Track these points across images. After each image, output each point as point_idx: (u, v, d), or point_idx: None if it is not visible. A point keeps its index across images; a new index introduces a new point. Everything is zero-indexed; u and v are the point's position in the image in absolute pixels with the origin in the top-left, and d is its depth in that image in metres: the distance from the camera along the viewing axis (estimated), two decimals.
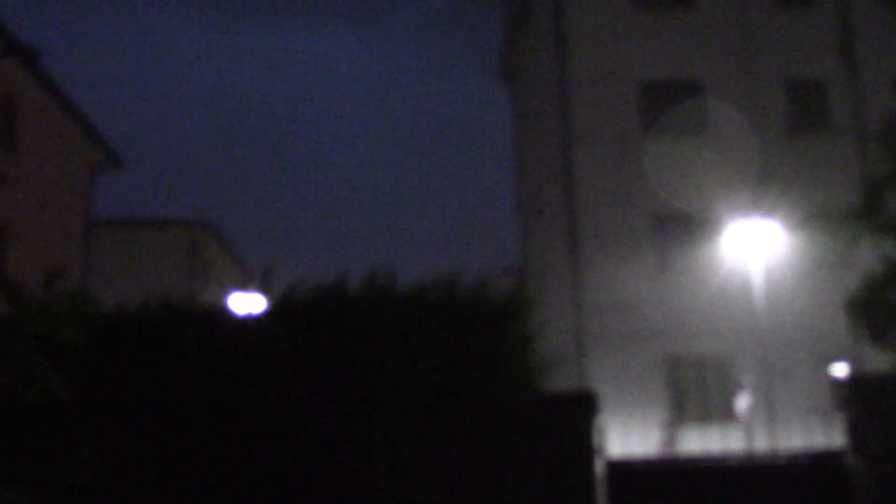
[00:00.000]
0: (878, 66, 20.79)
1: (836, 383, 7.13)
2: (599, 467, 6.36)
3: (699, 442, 17.21)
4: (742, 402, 18.06)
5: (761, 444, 17.21)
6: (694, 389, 19.11)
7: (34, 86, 19.44)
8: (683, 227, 19.78)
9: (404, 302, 5.64)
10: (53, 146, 20.93)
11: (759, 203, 18.75)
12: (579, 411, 6.18)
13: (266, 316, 6.22)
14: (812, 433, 13.25)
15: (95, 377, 5.68)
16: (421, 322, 5.62)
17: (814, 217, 13.26)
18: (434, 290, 5.97)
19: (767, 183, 19.31)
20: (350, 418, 5.58)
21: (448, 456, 5.86)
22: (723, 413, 18.68)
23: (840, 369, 16.70)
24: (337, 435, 5.59)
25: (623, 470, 6.42)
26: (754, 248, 17.98)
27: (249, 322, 6.26)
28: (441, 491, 5.83)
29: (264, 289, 6.41)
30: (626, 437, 17.72)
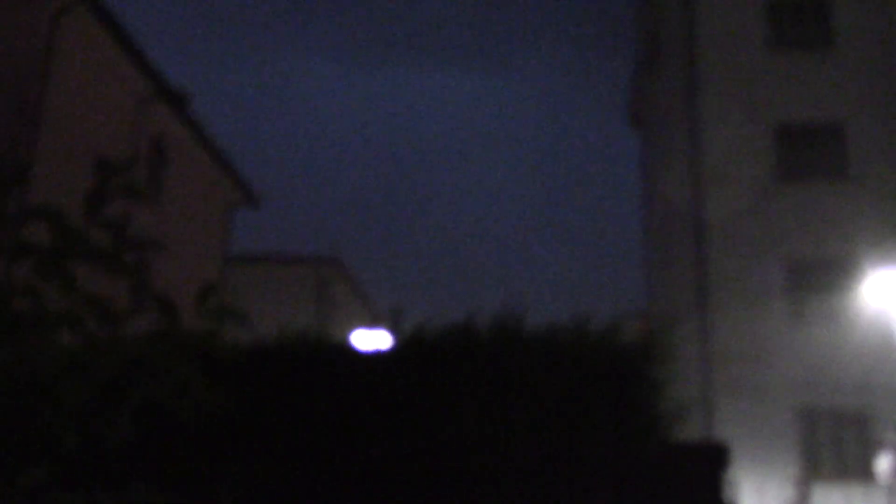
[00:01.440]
0: None
1: None
2: None
3: (835, 501, 16.41)
4: (883, 461, 17.10)
5: None
6: (830, 445, 18.22)
7: (181, 127, 20.53)
8: (820, 274, 19.05)
9: (533, 344, 5.63)
10: (196, 185, 21.99)
11: None
12: (709, 463, 6.02)
13: (394, 353, 6.33)
14: None
15: (240, 401, 5.91)
16: (550, 365, 5.60)
17: None
18: (563, 333, 5.95)
19: None
20: (474, 459, 5.60)
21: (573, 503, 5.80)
22: (861, 471, 17.74)
23: None
24: (461, 475, 5.61)
25: None
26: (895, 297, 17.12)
27: (378, 359, 6.38)
28: None
29: (393, 327, 6.53)
30: (759, 492, 17.06)
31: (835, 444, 18.29)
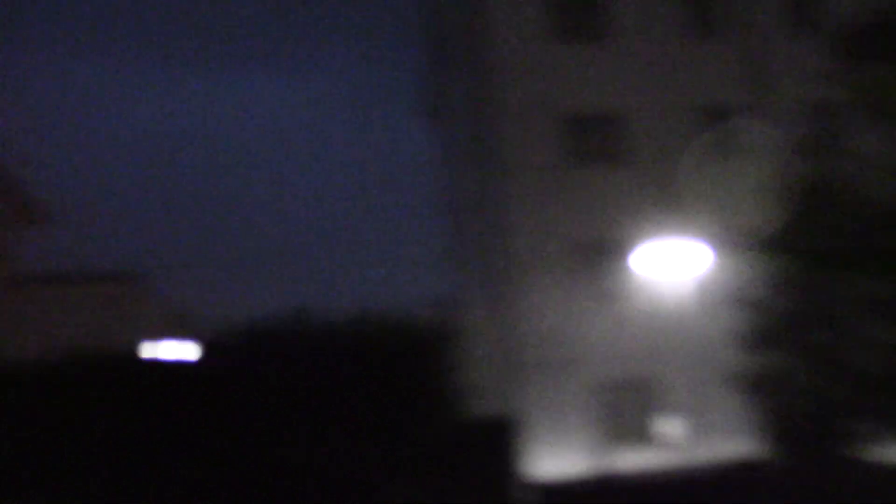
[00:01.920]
0: (790, 91, 21.60)
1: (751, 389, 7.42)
2: (525, 488, 6.52)
3: (633, 463, 17.50)
4: (672, 422, 18.46)
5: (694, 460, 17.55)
6: (625, 413, 19.43)
7: None
8: (610, 254, 20.22)
9: (329, 337, 5.75)
10: None
11: (683, 227, 19.28)
12: (501, 436, 6.35)
13: (197, 362, 6.27)
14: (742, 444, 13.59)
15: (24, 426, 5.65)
16: (348, 354, 5.73)
17: (729, 240, 13.74)
18: (359, 324, 6.10)
19: (688, 207, 19.87)
20: (279, 451, 5.65)
21: (374, 484, 5.95)
22: (655, 433, 19.02)
23: None
24: (267, 469, 5.65)
25: (549, 489, 6.60)
26: (678, 269, 18.47)
27: (181, 368, 6.30)
28: None
29: (194, 335, 6.47)
30: (562, 461, 17.96)
31: (629, 411, 19.53)
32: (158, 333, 37.22)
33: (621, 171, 20.86)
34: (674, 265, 18.50)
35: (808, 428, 6.11)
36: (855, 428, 6.16)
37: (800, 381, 6.27)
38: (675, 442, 18.18)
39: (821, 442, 6.22)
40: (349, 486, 5.80)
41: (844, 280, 6.57)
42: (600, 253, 20.28)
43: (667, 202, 20.16)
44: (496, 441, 6.47)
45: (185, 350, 7.56)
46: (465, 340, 6.63)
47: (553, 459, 17.83)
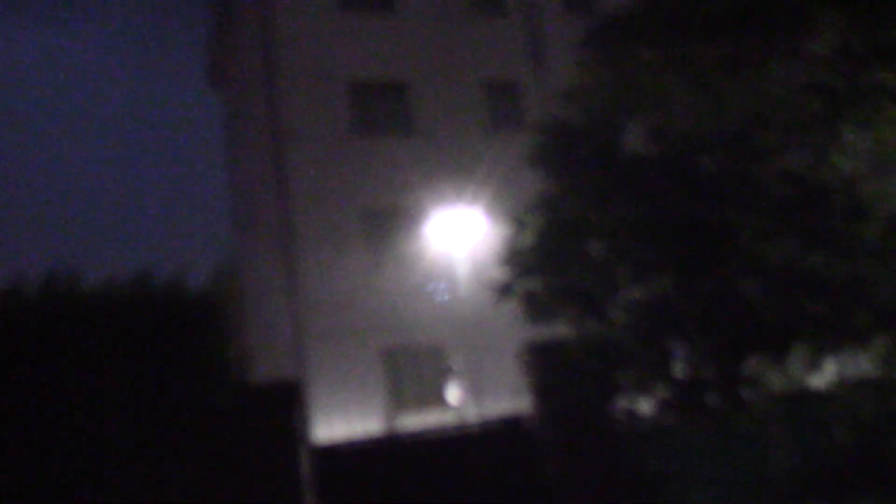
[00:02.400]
0: (564, 68, 22.63)
1: (521, 353, 7.78)
2: (306, 452, 6.49)
3: (421, 424, 17.92)
4: (454, 386, 19.04)
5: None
6: (411, 378, 19.82)
7: None
8: (394, 222, 20.45)
9: (89, 301, 5.43)
10: None
11: (463, 195, 19.81)
12: (282, 401, 6.28)
13: None
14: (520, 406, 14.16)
15: None
16: (109, 320, 5.44)
17: (511, 207, 14.23)
18: (125, 287, 5.81)
19: (470, 176, 20.42)
20: (35, 423, 5.30)
21: (151, 452, 5.73)
22: (438, 398, 19.54)
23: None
24: (24, 439, 5.28)
25: (327, 452, 6.61)
26: (458, 237, 19.00)
27: None
28: (147, 488, 5.69)
29: None
30: (349, 426, 18.09)
31: (415, 377, 19.93)
32: None
33: (407, 141, 21.10)
34: (459, 233, 19.02)
35: (565, 381, 6.49)
36: (612, 376, 6.59)
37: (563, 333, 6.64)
38: (460, 403, 18.77)
39: (577, 395, 6.62)
40: (119, 451, 5.54)
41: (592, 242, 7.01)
42: (388, 221, 20.47)
43: (452, 171, 20.63)
44: (278, 405, 6.39)
45: None
46: (249, 307, 6.47)
47: (343, 424, 17.92)
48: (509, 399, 17.28)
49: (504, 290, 6.72)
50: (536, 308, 6.84)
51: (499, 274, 7.47)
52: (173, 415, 5.79)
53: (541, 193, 7.69)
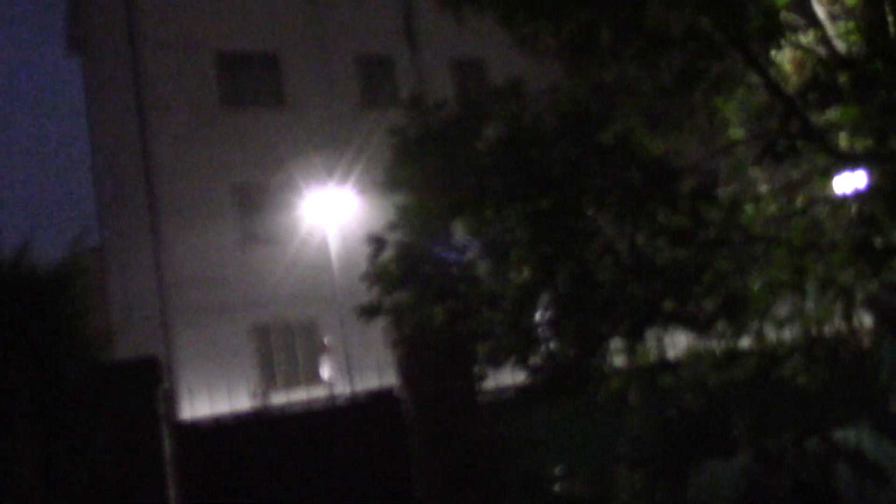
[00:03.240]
0: (438, 44, 22.72)
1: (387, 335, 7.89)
2: (167, 431, 6.39)
3: (291, 401, 17.79)
4: (326, 362, 18.99)
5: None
6: (283, 355, 19.66)
7: None
8: (264, 197, 20.15)
9: None
10: None
11: (335, 171, 19.70)
12: (141, 379, 6.15)
13: None
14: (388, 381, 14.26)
15: None
16: None
17: (380, 183, 14.23)
18: None
19: (342, 152, 20.31)
20: None
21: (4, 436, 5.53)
22: (311, 375, 19.46)
23: None
24: None
25: (192, 430, 6.53)
26: (330, 214, 18.91)
27: None
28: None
29: None
30: (218, 406, 17.81)
31: (287, 353, 19.78)
32: None
33: (278, 114, 20.78)
34: (331, 210, 18.92)
35: (429, 359, 6.65)
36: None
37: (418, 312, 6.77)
38: (333, 380, 18.74)
39: (439, 371, 6.80)
40: None
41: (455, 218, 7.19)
42: (259, 196, 20.15)
43: (324, 147, 20.46)
44: (137, 383, 6.26)
45: None
46: (114, 283, 6.28)
47: (213, 403, 17.62)
48: (381, 375, 17.40)
49: (372, 311, 6.78)
50: (406, 321, 6.94)
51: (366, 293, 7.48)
52: (21, 393, 5.60)
53: (394, 179, 7.74)
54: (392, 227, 7.33)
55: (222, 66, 20.57)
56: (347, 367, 19.14)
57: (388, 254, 7.25)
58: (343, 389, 18.68)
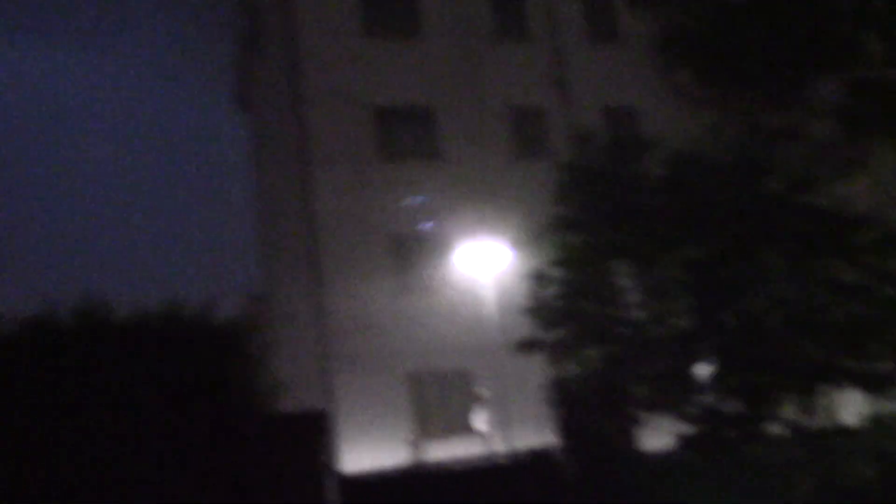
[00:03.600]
0: (589, 93, 22.73)
1: (545, 386, 7.77)
2: (331, 482, 6.49)
3: (444, 454, 17.83)
4: (481, 413, 18.94)
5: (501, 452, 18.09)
6: (437, 405, 19.76)
7: None
8: (420, 247, 20.49)
9: (121, 330, 5.48)
10: None
11: (488, 222, 19.83)
12: (308, 430, 6.29)
13: None
14: (546, 438, 14.09)
15: None
16: (141, 350, 5.49)
17: (533, 235, 14.23)
18: (156, 317, 5.86)
19: (495, 203, 20.46)
20: (70, 450, 5.34)
21: (179, 482, 5.74)
22: (465, 425, 19.46)
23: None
24: (55, 469, 5.33)
25: (356, 483, 6.61)
26: (484, 265, 18.99)
27: None
28: None
29: None
30: (375, 454, 18.05)
31: (442, 403, 19.88)
32: None
33: (432, 166, 21.17)
34: (484, 261, 19.01)
35: (586, 415, 6.49)
36: (634, 400, 6.57)
37: (585, 356, 6.63)
38: (486, 433, 18.67)
39: (601, 428, 6.61)
40: (147, 479, 5.57)
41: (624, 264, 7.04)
42: (413, 246, 20.51)
43: (476, 197, 20.68)
44: (304, 435, 6.41)
45: None
46: (272, 333, 6.50)
47: (368, 453, 17.88)
48: (536, 428, 17.19)
49: (531, 345, 6.71)
50: (563, 356, 6.84)
51: (525, 327, 7.42)
52: (200, 444, 5.81)
53: (560, 218, 7.68)
54: (555, 264, 7.26)
55: (380, 121, 21.19)
56: (502, 419, 19.03)
57: (549, 290, 7.18)
58: (496, 441, 18.55)
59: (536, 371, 19.63)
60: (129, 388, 5.54)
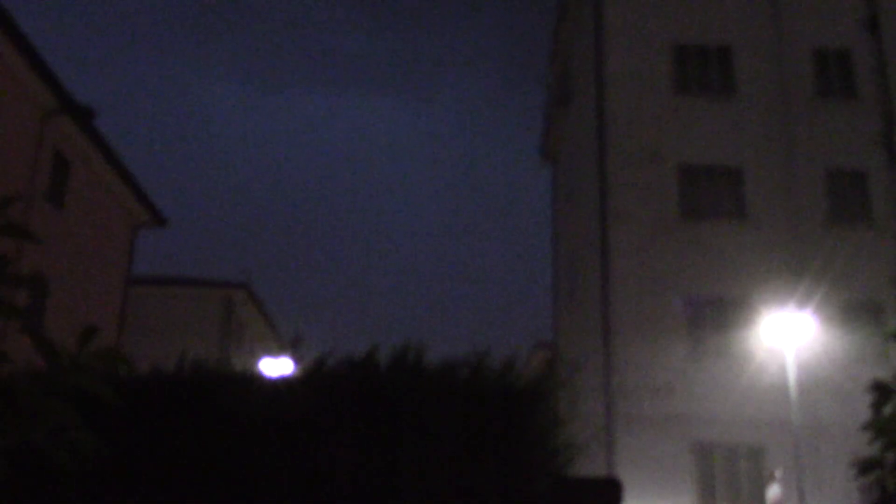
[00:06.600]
0: None
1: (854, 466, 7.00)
2: None
3: None
4: (773, 493, 17.65)
5: None
6: (724, 479, 18.72)
7: (85, 143, 20.03)
8: (719, 312, 19.65)
9: (432, 379, 5.67)
10: (100, 203, 21.45)
11: (796, 292, 18.62)
12: (603, 498, 6.14)
13: (295, 383, 6.26)
14: None
15: (128, 439, 5.73)
16: (447, 400, 5.63)
17: (850, 309, 13.15)
18: (461, 368, 6.00)
19: (804, 271, 19.20)
20: (372, 489, 5.58)
21: None
22: (761, 501, 18.26)
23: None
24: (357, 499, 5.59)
25: None
26: (789, 338, 17.79)
27: (279, 387, 6.29)
28: None
29: (295, 355, 6.47)
30: None
31: (729, 477, 18.80)
32: (259, 345, 37.97)
33: (737, 228, 20.30)
34: (789, 333, 17.82)
35: None
36: None
37: None
38: None
39: None
40: None
41: None
42: (711, 310, 19.71)
43: (784, 264, 19.52)
44: (600, 503, 6.25)
45: (281, 368, 7.55)
46: (568, 393, 6.44)
47: None
48: None
49: (871, 467, 6.09)
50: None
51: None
52: (492, 502, 5.83)
53: None
54: None
55: (684, 179, 20.72)
56: (794, 502, 17.64)
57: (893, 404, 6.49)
58: None
59: (836, 454, 18.08)
60: (435, 434, 5.70)
